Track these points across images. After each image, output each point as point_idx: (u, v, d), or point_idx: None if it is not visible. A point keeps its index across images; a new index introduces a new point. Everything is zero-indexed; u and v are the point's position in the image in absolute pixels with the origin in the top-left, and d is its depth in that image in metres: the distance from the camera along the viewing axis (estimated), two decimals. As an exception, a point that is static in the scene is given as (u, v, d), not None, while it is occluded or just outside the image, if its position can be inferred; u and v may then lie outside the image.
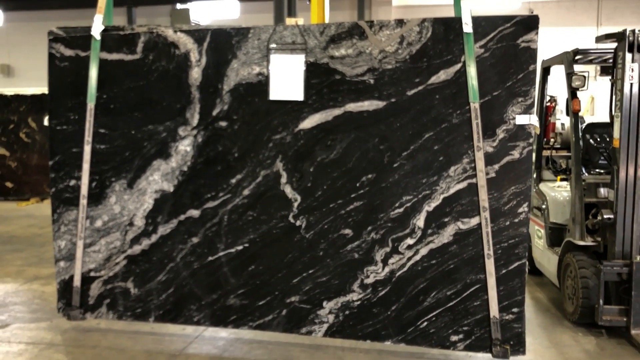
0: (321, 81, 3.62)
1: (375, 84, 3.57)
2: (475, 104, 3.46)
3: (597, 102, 12.79)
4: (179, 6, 13.69)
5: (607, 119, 4.59)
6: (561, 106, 5.78)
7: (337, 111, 3.63)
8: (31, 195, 10.58)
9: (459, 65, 3.48)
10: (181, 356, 3.73)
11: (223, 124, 3.76)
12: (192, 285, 3.88)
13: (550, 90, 5.81)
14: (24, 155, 10.44)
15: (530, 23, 3.41)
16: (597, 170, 5.11)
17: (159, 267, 3.92)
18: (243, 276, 3.81)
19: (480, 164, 3.47)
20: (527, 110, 3.44)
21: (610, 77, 4.26)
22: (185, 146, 3.81)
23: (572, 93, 4.67)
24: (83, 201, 3.94)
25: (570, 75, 4.68)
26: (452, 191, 3.55)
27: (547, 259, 5.07)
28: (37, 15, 15.28)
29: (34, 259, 6.22)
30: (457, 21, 3.46)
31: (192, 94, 3.78)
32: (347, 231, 3.66)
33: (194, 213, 3.84)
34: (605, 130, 5.27)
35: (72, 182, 3.99)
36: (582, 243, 4.38)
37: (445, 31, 3.49)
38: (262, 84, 3.69)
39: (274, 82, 3.66)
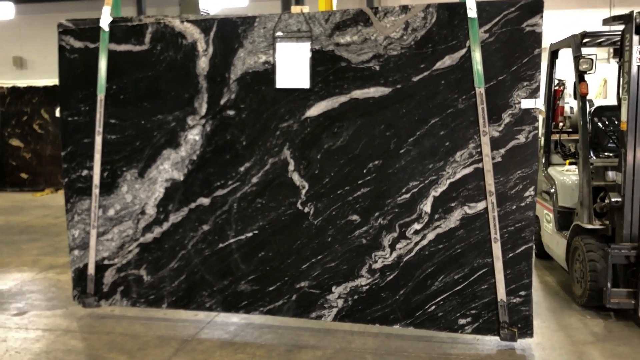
0: (327, 68, 3.65)
1: (380, 71, 3.60)
2: (480, 89, 3.47)
3: (610, 84, 12.67)
4: (188, -4, 13.71)
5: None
6: (570, 90, 5.76)
7: (343, 98, 3.66)
8: (46, 185, 10.73)
9: (464, 51, 3.50)
10: (193, 341, 3.81)
11: (231, 112, 3.81)
12: (204, 271, 3.95)
13: (559, 74, 5.79)
14: (38, 146, 10.58)
15: (534, 7, 3.41)
16: (606, 153, 5.10)
17: (171, 254, 3.98)
18: (253, 262, 3.87)
19: (486, 148, 3.49)
20: (532, 94, 3.45)
21: (618, 60, 4.25)
22: (194, 135, 3.86)
23: (580, 76, 4.65)
24: (95, 191, 4.01)
25: (577, 58, 4.66)
26: (458, 176, 3.57)
27: (556, 243, 5.08)
28: (48, 7, 15.37)
29: (49, 249, 6.34)
30: (461, 6, 3.47)
31: (200, 84, 3.83)
32: (355, 217, 3.71)
33: (204, 201, 3.90)
34: (613, 113, 5.25)
35: (85, 172, 4.06)
36: (590, 226, 4.39)
37: (450, 16, 3.50)
38: (268, 73, 3.73)
39: (280, 70, 3.69)
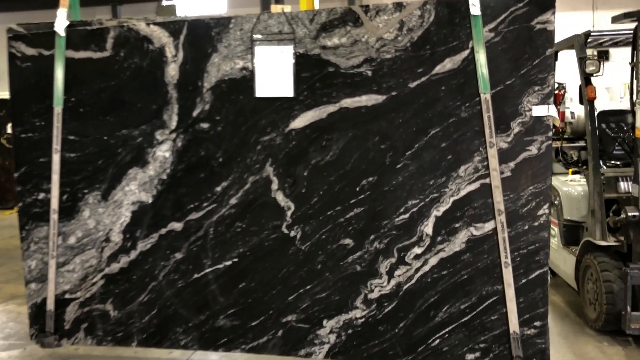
0: (313, 74, 3.24)
1: (373, 76, 3.19)
2: (486, 95, 3.08)
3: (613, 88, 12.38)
4: (164, 3, 13.26)
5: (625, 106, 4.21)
6: (571, 94, 5.41)
7: (332, 108, 3.24)
8: (15, 203, 10.13)
9: (466, 52, 3.10)
10: (167, 385, 3.36)
11: (205, 125, 3.37)
12: (178, 305, 3.50)
13: (558, 77, 5.42)
14: (6, 162, 10.00)
15: (545, 2, 3.03)
16: (613, 161, 4.73)
17: (140, 286, 3.53)
18: (233, 294, 3.43)
19: (493, 162, 3.09)
20: (544, 100, 3.07)
21: (630, 61, 3.89)
22: (163, 152, 3.42)
23: (586, 79, 4.28)
24: (54, 216, 3.55)
25: (582, 59, 4.29)
26: (463, 193, 3.17)
27: (562, 259, 4.70)
28: (11, 17, 14.80)
29: (13, 275, 5.84)
30: (463, 2, 3.08)
31: (169, 93, 3.39)
32: (348, 241, 3.28)
33: (176, 226, 3.45)
34: (619, 117, 4.90)
35: (41, 195, 3.60)
36: (603, 243, 4.01)
37: (450, 14, 3.11)
38: (246, 80, 3.30)
39: (260, 77, 3.26)
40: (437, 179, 3.17)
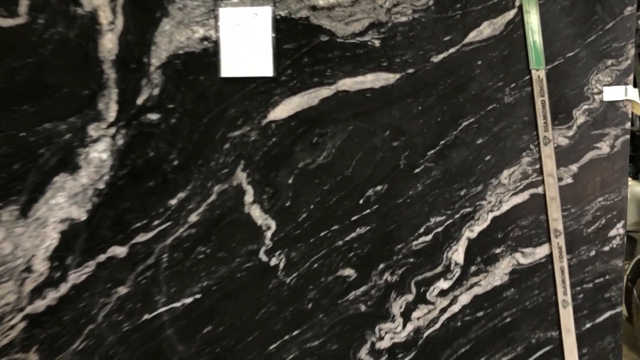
0: (299, 46, 2.36)
1: (382, 47, 2.31)
2: (539, 72, 2.20)
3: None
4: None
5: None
6: None
7: (326, 91, 2.36)
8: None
9: (512, 13, 2.23)
10: None
11: (154, 117, 2.48)
12: (123, 354, 2.63)
13: None
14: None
15: (625, -61, 2.14)
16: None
17: (74, 330, 2.65)
18: (196, 342, 2.57)
19: (549, 164, 2.22)
20: (620, 79, 2.19)
21: None
22: (99, 152, 2.53)
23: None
24: (-39, 237, 2.66)
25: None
26: (505, 208, 2.31)
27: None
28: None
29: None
30: (508, -58, 2.20)
31: (106, 74, 2.49)
32: (348, 272, 2.42)
33: (119, 251, 2.57)
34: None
35: (-55, 210, 2.71)
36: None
37: (490, -41, 2.22)
38: (209, 54, 2.41)
39: (227, 50, 2.38)
40: (470, 188, 2.31)
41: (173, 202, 2.51)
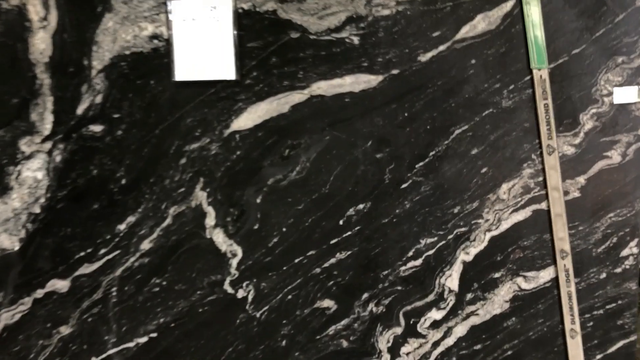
0: (266, 44, 2.03)
1: (362, 45, 2.00)
2: (541, 72, 1.92)
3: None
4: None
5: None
6: None
7: (298, 96, 2.05)
8: None
9: (510, 4, 1.95)
10: None
11: (96, 128, 2.12)
12: (68, 404, 2.27)
13: None
14: None
15: None
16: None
17: (9, 377, 2.28)
18: (153, 387, 2.22)
19: (553, 176, 1.95)
20: (632, 79, 1.92)
21: None
22: (33, 171, 2.16)
23: None
24: None
25: None
26: (505, 226, 2.03)
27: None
28: None
29: None
30: None
31: (38, 79, 2.12)
32: (327, 303, 2.11)
33: (60, 285, 2.20)
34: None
35: None
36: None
37: (485, -58, 1.93)
38: (160, 55, 2.07)
39: (182, 50, 2.04)
40: (465, 205, 2.02)
41: (121, 227, 2.15)
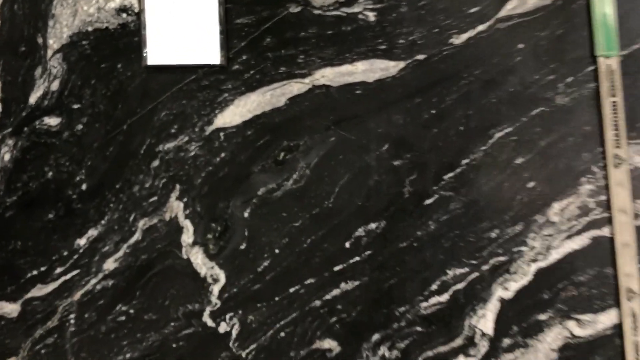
0: (259, 20, 1.63)
1: (379, 23, 1.59)
2: (610, 60, 1.49)
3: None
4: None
5: None
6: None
7: (297, 86, 1.64)
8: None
9: (571, -28, 1.50)
10: None
11: (52, 122, 1.75)
12: None
13: None
14: None
15: None
16: None
17: (-48, 414, 1.92)
18: None
19: (621, 195, 1.51)
20: None
21: None
22: (-23, 172, 1.79)
23: None
24: None
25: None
26: (555, 256, 1.60)
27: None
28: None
29: None
30: None
31: (-17, 60, 1.75)
32: (329, 344, 1.70)
33: (8, 309, 1.84)
34: None
35: None
36: None
37: None
38: (129, 33, 1.68)
39: (156, 27, 1.64)
40: (505, 229, 1.59)
41: (81, 242, 1.77)
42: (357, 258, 1.67)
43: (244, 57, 1.66)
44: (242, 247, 1.71)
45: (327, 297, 1.69)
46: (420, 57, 1.61)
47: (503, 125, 1.60)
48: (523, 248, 1.61)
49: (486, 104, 1.59)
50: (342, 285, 1.68)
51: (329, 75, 1.63)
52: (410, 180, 1.63)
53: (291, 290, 1.70)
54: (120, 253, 1.76)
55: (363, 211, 1.66)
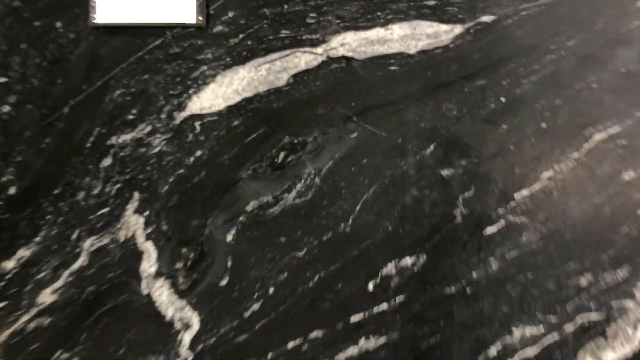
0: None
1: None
2: None
3: None
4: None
5: None
6: None
7: (305, 58, 1.13)
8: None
9: None
10: None
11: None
12: None
13: None
14: None
15: None
16: None
17: None
18: None
19: None
20: None
21: None
22: None
23: None
24: None
25: None
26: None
27: None
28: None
29: None
30: None
31: None
32: (340, 419, 1.21)
33: None
34: None
35: None
36: None
37: None
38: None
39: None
40: (601, 273, 1.07)
41: (9, 265, 1.31)
42: (385, 305, 1.17)
43: (230, 15, 1.16)
44: (224, 282, 1.22)
45: (340, 357, 1.19)
46: (486, 18, 1.09)
47: (606, 122, 1.07)
48: (627, 302, 1.10)
49: (582, 91, 1.07)
50: (362, 342, 1.19)
51: (351, 43, 1.12)
52: (464, 199, 1.13)
53: (290, 345, 1.21)
54: (60, 282, 1.28)
55: (395, 239, 1.16)
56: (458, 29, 1.11)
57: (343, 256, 1.18)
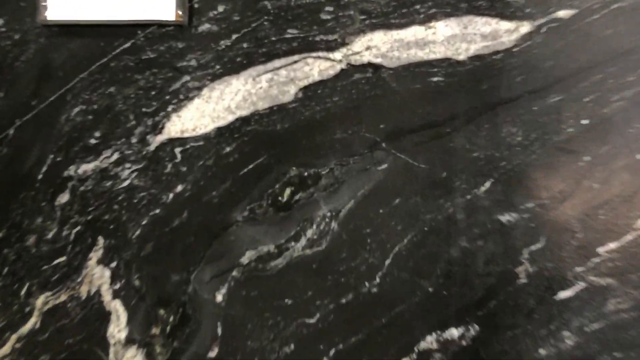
0: None
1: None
2: None
3: None
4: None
5: None
6: None
7: (318, 66, 0.85)
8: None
9: None
10: None
11: None
12: None
13: None
14: None
15: None
16: None
17: None
18: None
19: None
20: None
21: None
22: None
23: None
24: None
25: None
26: None
27: None
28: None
29: None
30: None
31: None
32: None
33: None
34: None
35: None
36: None
37: None
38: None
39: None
40: None
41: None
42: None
43: (220, 10, 0.89)
44: (212, 353, 0.95)
45: None
46: (564, 13, 0.82)
47: None
48: None
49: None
50: None
51: (380, 46, 0.85)
52: (530, 253, 0.85)
53: None
54: (6, 349, 1.02)
55: (436, 304, 0.88)
56: (525, 27, 0.83)
57: (367, 325, 0.91)
